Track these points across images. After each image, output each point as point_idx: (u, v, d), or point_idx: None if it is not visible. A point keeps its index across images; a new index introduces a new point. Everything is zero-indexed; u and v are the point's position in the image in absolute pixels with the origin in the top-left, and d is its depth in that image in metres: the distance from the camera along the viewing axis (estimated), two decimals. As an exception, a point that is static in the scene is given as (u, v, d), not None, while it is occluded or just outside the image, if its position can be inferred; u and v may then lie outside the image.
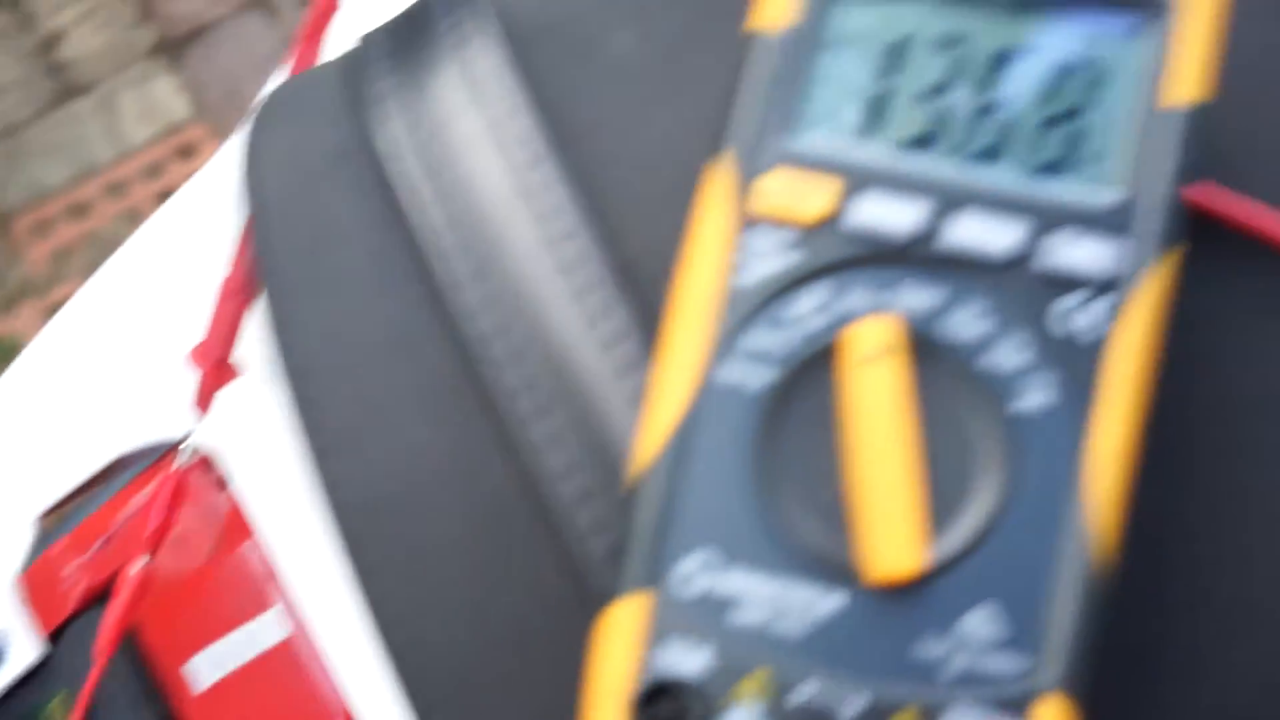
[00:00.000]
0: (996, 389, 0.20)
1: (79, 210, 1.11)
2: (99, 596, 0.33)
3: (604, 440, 0.24)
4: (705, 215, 0.22)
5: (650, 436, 0.21)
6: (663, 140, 0.26)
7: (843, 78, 0.22)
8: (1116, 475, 0.20)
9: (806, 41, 0.22)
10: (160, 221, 0.43)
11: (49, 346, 0.41)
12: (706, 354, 0.21)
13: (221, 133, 1.12)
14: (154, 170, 1.12)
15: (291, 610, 0.32)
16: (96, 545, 0.34)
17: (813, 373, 0.21)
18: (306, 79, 0.30)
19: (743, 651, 0.20)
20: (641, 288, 0.25)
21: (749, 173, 0.22)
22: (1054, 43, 0.22)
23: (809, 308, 0.21)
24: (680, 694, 0.20)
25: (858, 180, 0.21)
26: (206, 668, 0.32)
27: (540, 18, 0.28)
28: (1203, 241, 0.23)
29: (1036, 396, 0.20)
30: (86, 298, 0.42)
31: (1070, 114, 0.22)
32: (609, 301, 0.25)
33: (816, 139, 0.22)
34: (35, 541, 0.36)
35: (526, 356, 0.25)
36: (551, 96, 0.27)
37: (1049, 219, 0.21)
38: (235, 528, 0.33)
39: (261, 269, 0.27)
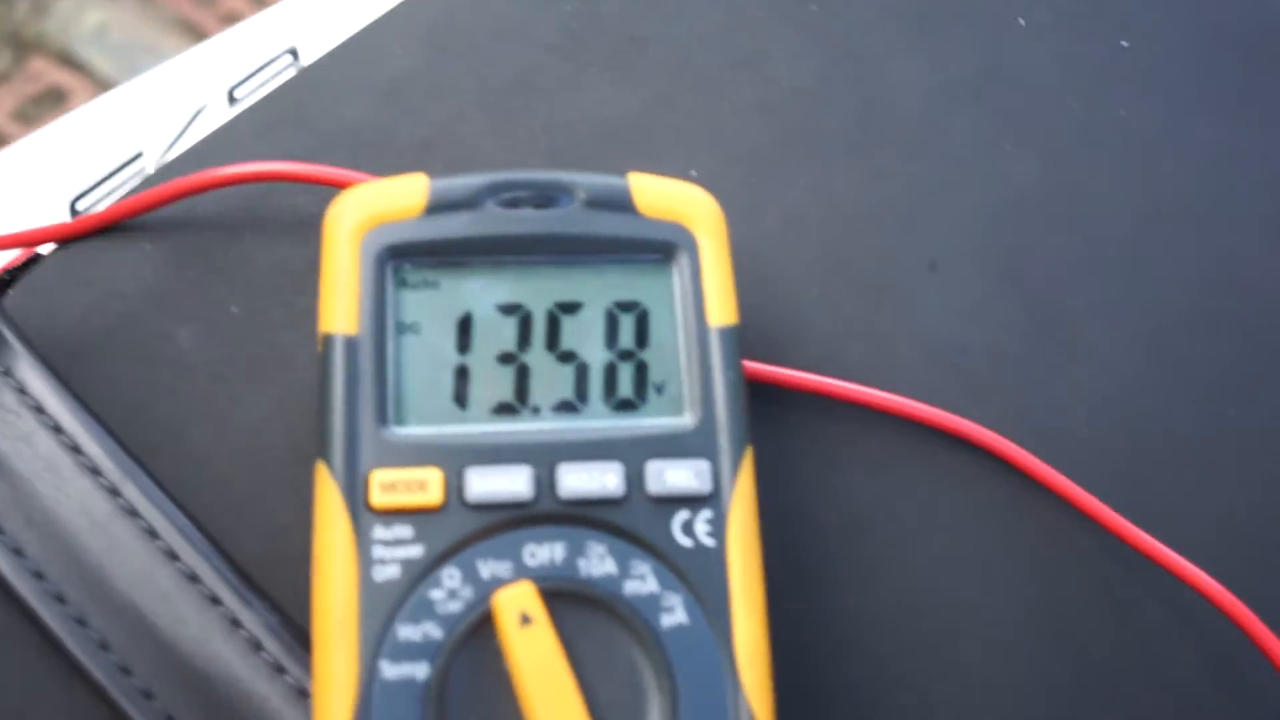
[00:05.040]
0: (644, 613, 0.22)
1: None
2: None
3: None
4: (322, 519, 0.22)
5: None
6: (250, 429, 0.26)
7: (422, 364, 0.23)
8: (763, 659, 0.22)
9: (379, 336, 0.23)
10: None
11: None
12: (360, 654, 0.21)
13: None
14: None
15: None
16: None
17: (471, 647, 0.21)
18: None
19: None
20: (268, 582, 0.25)
21: (357, 471, 0.22)
22: (599, 292, 0.24)
23: (450, 588, 0.22)
24: None
25: (464, 460, 0.22)
26: None
27: (88, 327, 0.27)
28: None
29: (679, 614, 0.22)
30: None
31: (630, 354, 0.24)
32: (241, 603, 0.24)
33: (414, 428, 0.23)
34: None
35: (171, 675, 0.24)
36: (125, 404, 0.26)
37: (642, 452, 0.23)
38: None
39: None
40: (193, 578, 0.25)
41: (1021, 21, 0.32)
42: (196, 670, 0.24)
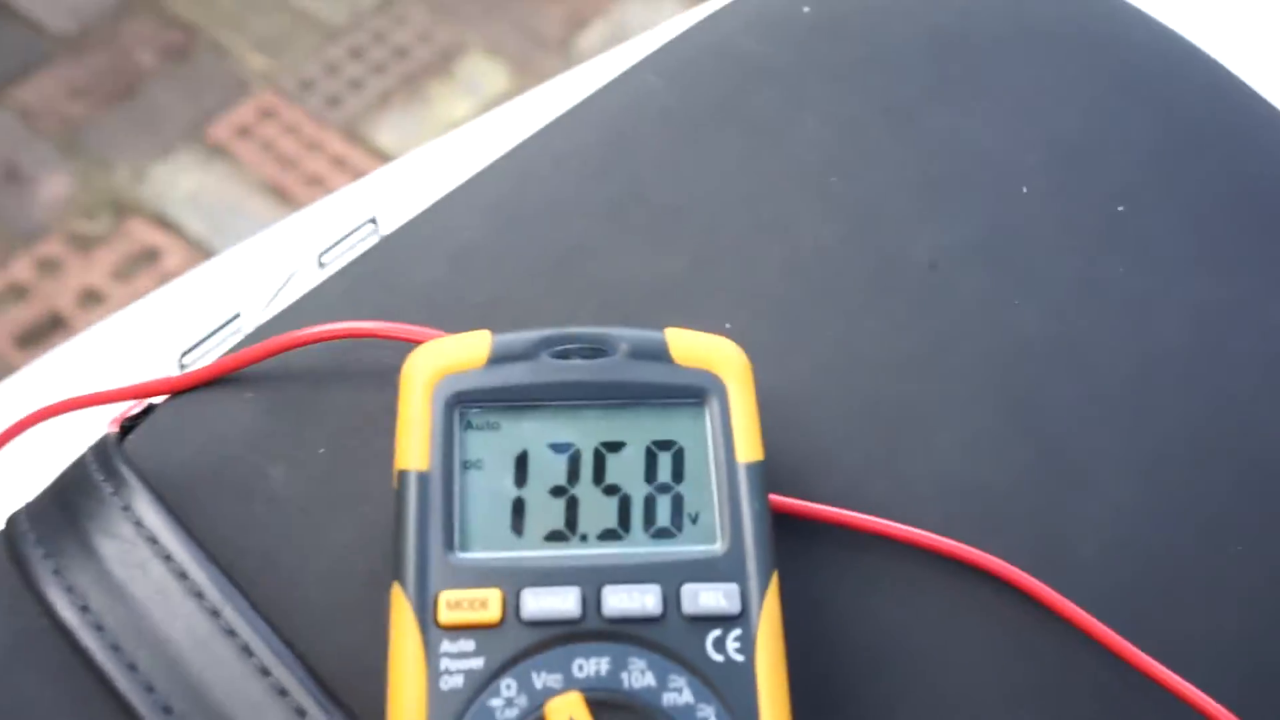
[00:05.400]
0: None
1: None
2: None
3: None
4: (397, 634, 0.25)
5: None
6: (334, 556, 0.29)
7: (483, 496, 0.27)
8: None
9: (447, 472, 0.26)
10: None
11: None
12: None
13: None
14: None
15: None
16: None
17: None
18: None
19: None
20: (348, 694, 0.27)
21: (427, 592, 0.25)
22: (640, 432, 0.28)
23: (508, 697, 0.24)
24: None
25: (520, 581, 0.25)
26: None
27: (196, 467, 0.31)
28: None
29: None
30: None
31: (667, 487, 0.27)
32: (324, 716, 0.27)
33: (477, 553, 0.26)
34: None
35: None
36: (225, 534, 0.30)
37: (678, 576, 0.26)
38: None
39: None
40: (281, 692, 0.28)
41: (1024, 190, 0.36)
42: None
